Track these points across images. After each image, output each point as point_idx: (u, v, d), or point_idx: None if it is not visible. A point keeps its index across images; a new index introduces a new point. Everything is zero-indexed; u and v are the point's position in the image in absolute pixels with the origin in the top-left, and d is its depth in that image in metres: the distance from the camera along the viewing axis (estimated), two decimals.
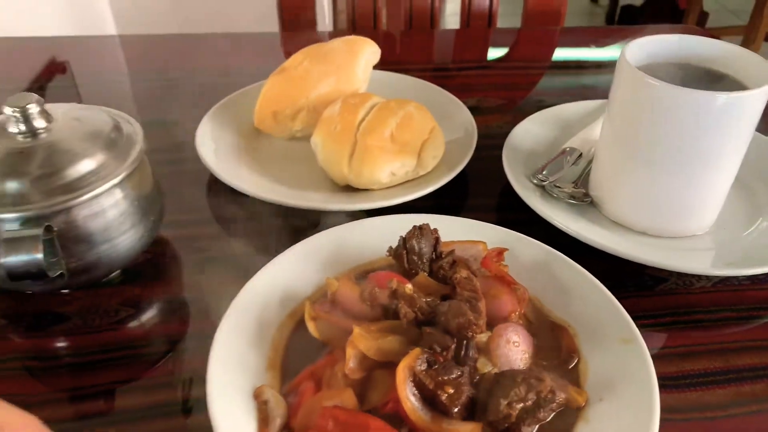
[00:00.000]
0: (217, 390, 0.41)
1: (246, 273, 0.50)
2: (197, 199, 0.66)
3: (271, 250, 0.54)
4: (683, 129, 0.53)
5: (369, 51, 0.73)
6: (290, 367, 0.45)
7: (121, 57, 1.01)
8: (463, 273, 0.47)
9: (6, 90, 0.88)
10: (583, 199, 0.62)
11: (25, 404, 0.39)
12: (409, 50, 1.04)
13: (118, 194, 0.51)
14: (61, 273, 0.48)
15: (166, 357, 0.49)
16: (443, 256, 0.51)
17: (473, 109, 0.83)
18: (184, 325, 0.53)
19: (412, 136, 0.63)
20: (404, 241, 0.50)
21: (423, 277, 0.48)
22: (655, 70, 0.56)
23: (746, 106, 0.52)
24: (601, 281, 0.50)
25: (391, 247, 0.51)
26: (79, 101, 0.88)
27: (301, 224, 0.61)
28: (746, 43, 2.29)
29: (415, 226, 0.51)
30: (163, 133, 0.78)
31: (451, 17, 2.80)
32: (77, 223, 0.49)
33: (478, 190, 0.69)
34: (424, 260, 0.50)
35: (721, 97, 0.51)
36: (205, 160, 0.64)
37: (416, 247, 0.50)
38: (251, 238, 0.62)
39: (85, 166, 0.49)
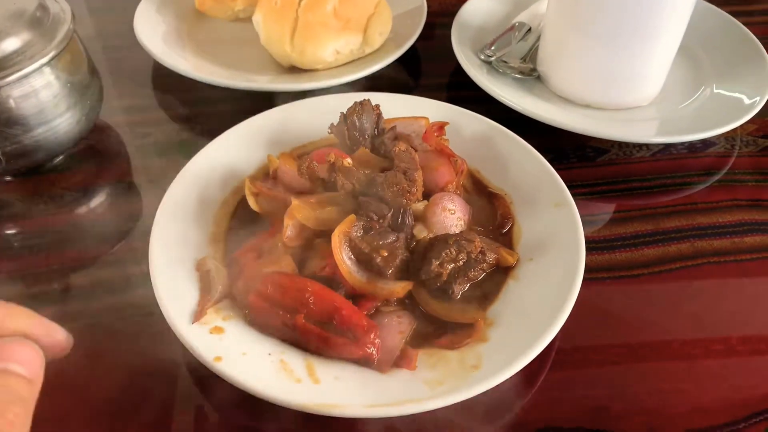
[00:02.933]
0: (159, 264, 0.42)
1: (190, 154, 0.50)
2: (140, 85, 0.64)
3: (216, 133, 0.53)
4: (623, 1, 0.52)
5: None
6: (232, 241, 0.46)
7: None
8: (402, 146, 0.47)
9: None
10: (530, 74, 0.62)
11: None
12: None
13: (49, 74, 0.50)
14: None
15: (112, 237, 0.50)
16: (385, 132, 0.51)
17: None
18: (128, 206, 0.53)
19: (356, 11, 0.61)
20: (345, 117, 0.50)
21: (363, 151, 0.49)
22: None
23: None
24: (544, 154, 0.51)
25: (333, 124, 0.51)
26: None
27: (247, 106, 0.59)
28: None
29: (356, 102, 0.51)
30: (101, 18, 0.75)
31: None
32: (8, 105, 0.47)
33: (429, 68, 0.68)
34: (366, 136, 0.50)
35: None
36: (145, 44, 0.62)
37: (357, 123, 0.50)
38: (196, 121, 0.61)
39: (10, 44, 0.48)
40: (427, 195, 0.47)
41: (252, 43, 0.64)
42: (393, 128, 0.52)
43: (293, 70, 0.62)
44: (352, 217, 0.42)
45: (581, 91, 0.60)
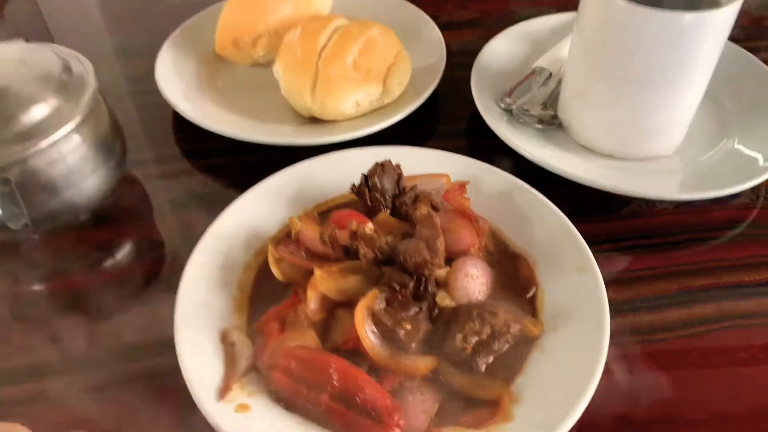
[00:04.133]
0: (185, 335, 0.43)
1: (214, 209, 0.51)
2: (162, 134, 0.65)
3: (239, 185, 0.54)
4: (650, 49, 0.52)
5: None
6: (257, 306, 0.47)
7: None
8: (424, 210, 0.47)
9: None
10: (551, 122, 0.61)
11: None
12: None
13: (76, 139, 0.50)
14: (25, 223, 0.49)
15: (136, 300, 0.51)
16: (406, 191, 0.51)
17: (444, 24, 0.81)
18: (154, 266, 0.54)
19: (376, 62, 0.61)
20: (366, 178, 0.50)
21: (384, 215, 0.49)
22: None
23: (714, 25, 0.51)
24: (566, 206, 0.51)
25: (354, 185, 0.51)
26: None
27: (269, 157, 0.60)
28: None
29: (377, 163, 0.51)
30: (121, 62, 0.75)
31: None
32: (36, 172, 0.48)
33: (448, 114, 0.68)
34: (387, 197, 0.51)
35: (688, 17, 0.49)
36: (167, 95, 0.63)
37: (378, 184, 0.50)
38: (218, 172, 0.62)
39: (38, 112, 0.48)
40: (448, 258, 0.47)
41: (272, 89, 0.64)
42: (414, 187, 0.52)
43: (314, 119, 0.63)
44: (375, 291, 0.42)
45: (604, 141, 0.59)
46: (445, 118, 0.67)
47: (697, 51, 0.52)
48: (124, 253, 0.55)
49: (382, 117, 0.61)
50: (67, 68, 0.52)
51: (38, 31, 0.82)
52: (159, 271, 0.53)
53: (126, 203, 0.58)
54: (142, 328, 0.49)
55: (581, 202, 0.57)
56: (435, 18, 0.80)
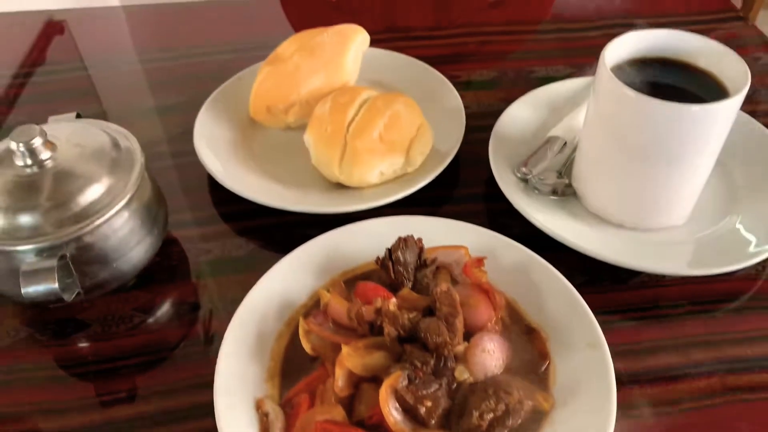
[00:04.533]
0: (223, 403, 0.47)
1: (249, 270, 0.56)
2: (199, 196, 0.70)
3: (271, 246, 0.61)
4: (661, 133, 0.55)
5: (358, 40, 0.73)
6: (288, 375, 0.51)
7: (122, 32, 1.02)
8: (443, 286, 0.51)
9: (4, 63, 0.91)
10: (566, 192, 0.65)
11: (50, 410, 0.45)
12: (405, 9, 1.03)
13: (125, 214, 0.55)
14: (77, 292, 0.53)
15: (177, 363, 0.55)
16: (427, 264, 0.55)
17: (464, 84, 0.85)
18: (193, 328, 0.58)
19: (399, 135, 0.65)
20: (390, 252, 0.54)
21: (407, 291, 0.53)
22: (633, 69, 0.58)
23: (722, 112, 0.54)
24: (579, 274, 0.55)
25: (378, 258, 0.55)
26: (82, 63, 0.91)
27: (299, 218, 0.65)
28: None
29: (400, 238, 0.55)
30: (163, 121, 0.80)
31: None
32: (89, 247, 0.53)
33: (466, 176, 0.72)
34: (409, 269, 0.55)
35: (695, 109, 0.53)
36: (204, 160, 0.67)
37: (401, 258, 0.54)
38: (253, 234, 0.66)
39: (92, 191, 0.53)
40: (467, 332, 0.50)
41: (302, 153, 0.68)
42: (434, 260, 0.56)
43: (341, 185, 0.67)
44: (399, 372, 0.46)
45: (615, 211, 0.62)
46: (463, 181, 0.71)
47: (707, 135, 0.55)
48: (165, 315, 0.59)
49: (405, 185, 0.65)
50: (116, 145, 0.57)
51: (79, 82, 0.88)
52: (198, 333, 0.58)
53: (166, 264, 0.63)
54: (179, 391, 0.53)
55: (593, 271, 0.60)
56: (455, 78, 0.84)
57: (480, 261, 0.55)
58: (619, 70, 0.58)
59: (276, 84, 0.71)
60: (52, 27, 1.00)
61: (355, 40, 0.73)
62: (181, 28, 1.01)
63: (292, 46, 0.73)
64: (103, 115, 0.81)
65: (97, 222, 0.52)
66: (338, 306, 0.52)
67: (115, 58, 0.93)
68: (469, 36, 0.96)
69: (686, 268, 0.58)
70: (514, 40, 0.95)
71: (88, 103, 0.84)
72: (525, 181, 0.66)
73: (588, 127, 0.62)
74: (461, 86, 0.82)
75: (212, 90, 0.78)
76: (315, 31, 0.74)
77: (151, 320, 0.58)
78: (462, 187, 0.71)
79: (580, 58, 0.89)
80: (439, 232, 0.59)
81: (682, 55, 0.60)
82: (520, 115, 0.74)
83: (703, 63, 0.59)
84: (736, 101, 0.53)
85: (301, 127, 0.71)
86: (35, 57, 0.94)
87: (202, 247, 0.65)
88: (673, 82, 0.59)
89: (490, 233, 0.59)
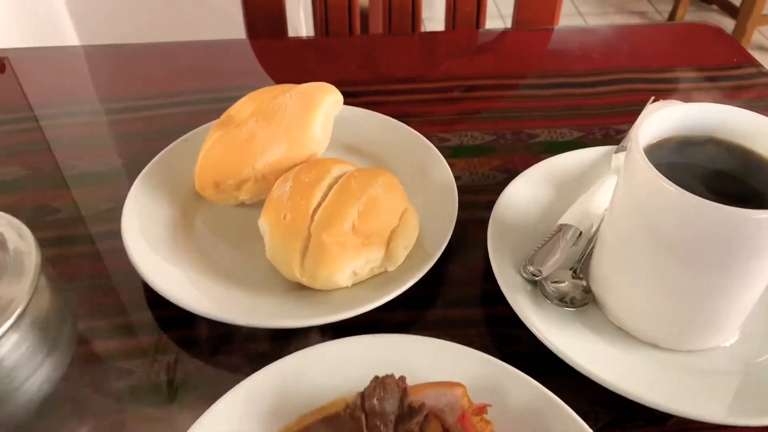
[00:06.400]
0: None
1: (180, 404, 0.44)
2: (125, 294, 0.55)
3: (210, 370, 0.47)
4: (711, 240, 0.43)
5: (328, 102, 0.61)
6: None
7: (62, 74, 0.88)
8: None
9: None
10: (583, 301, 0.52)
11: None
12: (388, 59, 0.91)
13: (11, 340, 0.41)
14: None
15: None
16: (413, 412, 0.42)
17: (454, 149, 0.73)
18: None
19: (378, 224, 0.52)
20: (363, 399, 0.41)
21: None
22: (673, 150, 0.47)
23: None
24: (604, 411, 0.44)
25: (347, 406, 0.41)
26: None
27: (248, 330, 0.51)
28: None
29: (376, 380, 0.41)
30: (89, 192, 0.66)
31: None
32: None
33: (458, 270, 0.58)
34: (389, 421, 0.41)
35: (761, 217, 0.40)
36: (131, 253, 0.53)
37: (377, 407, 0.41)
38: (189, 349, 0.52)
39: None
40: None
41: (255, 236, 0.55)
42: (422, 406, 0.42)
43: (302, 286, 0.53)
44: None
45: (646, 328, 0.50)
46: (455, 275, 0.58)
47: (764, 249, 0.43)
48: None
49: (383, 288, 0.52)
50: (1, 246, 0.43)
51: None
52: None
53: (71, 394, 0.48)
54: None
55: (624, 405, 0.47)
56: (443, 142, 0.72)
57: (482, 409, 0.42)
58: (655, 152, 0.46)
59: (226, 154, 0.57)
60: None
61: (323, 102, 0.60)
62: (135, 72, 0.87)
63: (247, 106, 0.60)
64: (16, 183, 0.67)
65: None
66: None
67: (45, 107, 0.79)
68: (459, 90, 0.84)
69: (737, 417, 0.45)
70: (509, 96, 0.84)
71: (4, 165, 0.70)
72: (533, 282, 0.53)
73: (614, 219, 0.50)
74: (450, 152, 0.69)
75: (158, 151, 0.65)
76: (277, 89, 0.62)
77: None
78: (451, 283, 0.58)
79: (587, 120, 0.77)
80: (428, 357, 0.46)
81: (735, 135, 0.48)
82: (523, 194, 0.61)
83: (761, 147, 0.47)
84: None
85: (257, 203, 0.58)
86: None
87: (121, 366, 0.50)
88: (724, 168, 0.47)
89: (494, 362, 0.46)
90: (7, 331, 0.40)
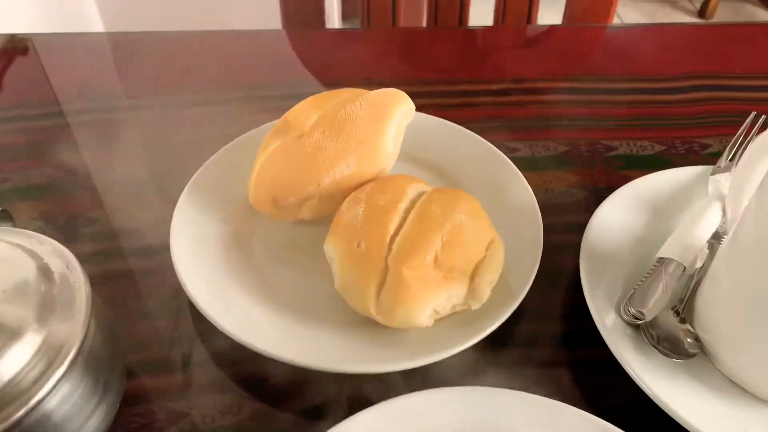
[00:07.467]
0: None
1: None
2: (178, 319, 0.50)
3: (270, 415, 0.42)
4: None
5: (401, 113, 0.54)
6: None
7: (99, 66, 0.82)
8: None
9: None
10: (693, 350, 0.46)
11: None
12: (437, 57, 0.85)
13: (64, 389, 0.36)
14: None
15: None
16: None
17: (527, 161, 0.67)
18: None
19: (463, 257, 0.46)
20: None
21: None
22: None
23: None
24: None
25: None
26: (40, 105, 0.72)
27: (313, 372, 0.46)
28: None
29: None
30: (136, 202, 0.61)
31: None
32: None
33: (541, 305, 0.52)
34: None
35: None
36: (182, 279, 0.48)
37: None
38: (248, 388, 0.46)
39: (6, 365, 0.34)
40: None
41: (320, 257, 0.50)
42: None
43: (373, 321, 0.47)
44: None
45: (765, 385, 0.44)
46: (537, 310, 0.52)
47: None
48: None
49: (466, 328, 0.46)
50: (45, 272, 0.38)
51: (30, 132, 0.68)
52: None
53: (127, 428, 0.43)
54: None
55: None
56: (513, 152, 0.66)
57: None
58: None
59: (288, 168, 0.51)
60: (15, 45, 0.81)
61: (396, 112, 0.54)
62: (166, 64, 0.82)
63: (309, 113, 0.54)
64: (49, 188, 0.61)
65: (17, 415, 0.33)
66: None
67: (81, 103, 0.74)
68: (518, 93, 0.78)
69: None
70: (578, 102, 0.77)
71: (35, 166, 0.64)
72: (635, 326, 0.47)
73: (737, 259, 0.44)
74: (522, 164, 0.63)
75: (199, 153, 0.59)
76: (341, 94, 0.55)
77: None
78: (533, 319, 0.51)
79: (668, 131, 0.70)
80: (518, 417, 0.40)
81: None
82: (613, 219, 0.55)
83: None
84: None
85: (319, 220, 0.53)
86: None
87: (173, 408, 0.45)
88: None
89: (602, 425, 0.40)
90: (59, 381, 0.34)
